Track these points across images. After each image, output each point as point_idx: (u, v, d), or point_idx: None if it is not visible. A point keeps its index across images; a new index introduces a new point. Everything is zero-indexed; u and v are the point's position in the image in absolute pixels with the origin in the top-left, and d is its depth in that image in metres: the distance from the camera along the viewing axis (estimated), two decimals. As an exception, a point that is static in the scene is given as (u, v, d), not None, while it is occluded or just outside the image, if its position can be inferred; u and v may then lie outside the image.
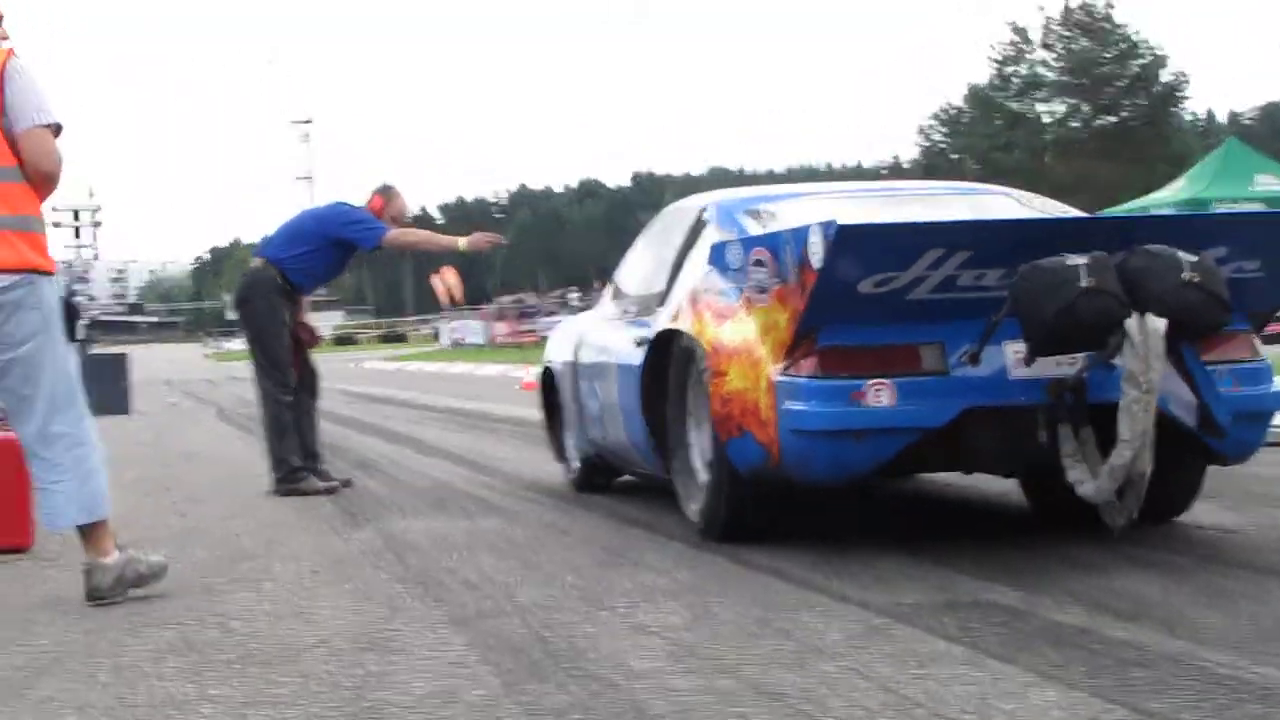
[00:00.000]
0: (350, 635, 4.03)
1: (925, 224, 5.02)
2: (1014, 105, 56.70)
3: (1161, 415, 4.53)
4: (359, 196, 8.25)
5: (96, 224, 34.18)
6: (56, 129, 4.67)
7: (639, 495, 7.00)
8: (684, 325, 5.61)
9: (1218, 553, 4.92)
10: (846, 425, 4.76)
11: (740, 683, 3.34)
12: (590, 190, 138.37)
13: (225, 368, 45.09)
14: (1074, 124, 55.97)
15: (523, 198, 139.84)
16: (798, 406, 4.83)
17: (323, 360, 8.35)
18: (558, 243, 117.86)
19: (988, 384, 4.77)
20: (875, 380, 4.74)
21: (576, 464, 7.51)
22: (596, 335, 7.00)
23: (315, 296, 8.36)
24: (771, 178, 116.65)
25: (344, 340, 75.56)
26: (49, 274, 4.69)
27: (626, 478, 7.28)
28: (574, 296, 49.53)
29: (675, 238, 6.36)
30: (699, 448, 5.64)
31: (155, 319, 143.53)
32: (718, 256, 5.59)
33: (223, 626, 4.24)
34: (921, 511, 6.53)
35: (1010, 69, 56.39)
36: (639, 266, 6.92)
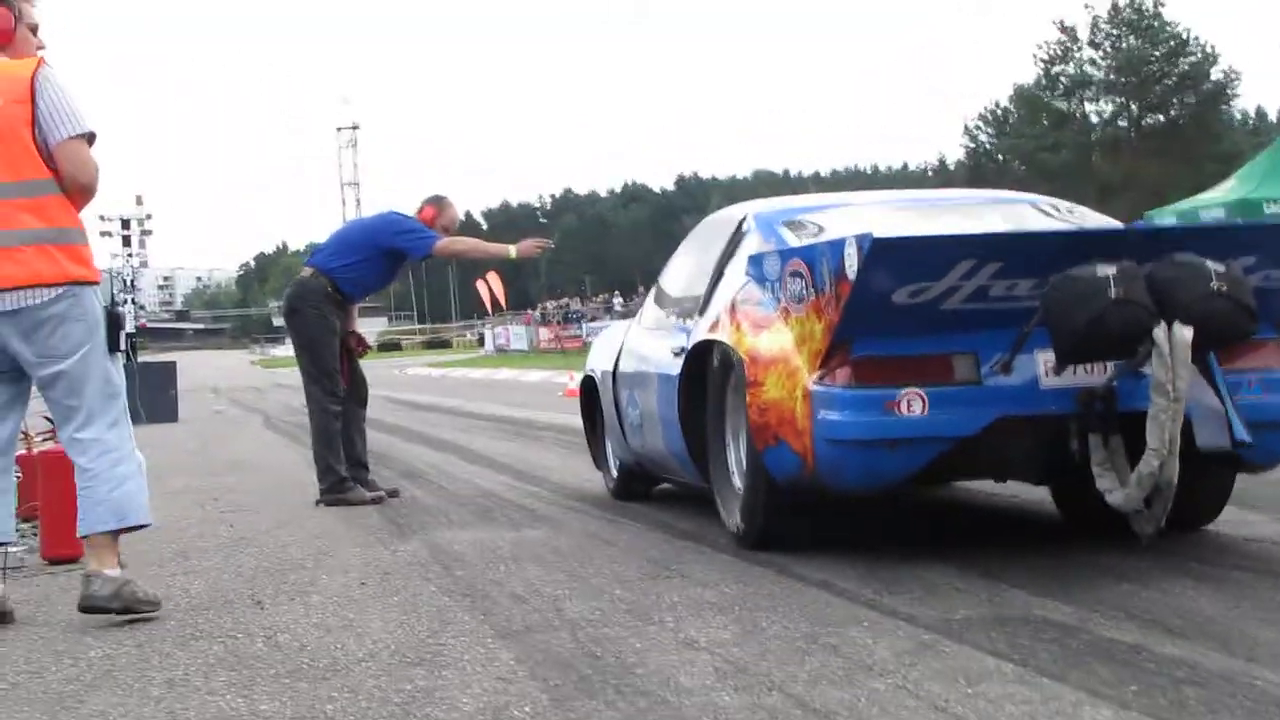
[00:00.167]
0: (398, 649, 4.04)
1: (958, 236, 5.05)
2: (1061, 105, 56.37)
3: (1188, 424, 4.57)
4: (403, 202, 8.30)
5: (146, 233, 34.36)
6: (91, 138, 4.68)
7: (682, 505, 6.98)
8: (722, 335, 5.66)
9: (1272, 567, 4.86)
10: (880, 434, 4.81)
11: (789, 700, 3.33)
12: (635, 194, 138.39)
13: (271, 374, 45.39)
14: (1121, 123, 55.60)
15: (567, 202, 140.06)
16: (832, 416, 4.89)
17: (366, 366, 8.39)
18: (603, 247, 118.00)
19: (1020, 393, 4.82)
20: (909, 390, 4.79)
21: (615, 472, 7.61)
22: (636, 344, 7.06)
23: (360, 303, 8.39)
24: (817, 180, 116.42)
25: (388, 346, 75.91)
26: (92, 284, 4.72)
27: (664, 486, 7.33)
28: (618, 302, 49.56)
29: (715, 247, 6.41)
30: (736, 456, 5.69)
31: (201, 325, 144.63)
32: (756, 267, 5.66)
33: (271, 640, 4.26)
34: (970, 521, 6.49)
35: (1057, 68, 56.05)
36: (680, 275, 6.97)
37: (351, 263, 7.92)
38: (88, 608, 4.62)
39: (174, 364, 21.29)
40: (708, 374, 5.85)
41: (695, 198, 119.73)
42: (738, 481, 5.65)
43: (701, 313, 6.11)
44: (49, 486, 5.94)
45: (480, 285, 52.18)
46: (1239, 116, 61.39)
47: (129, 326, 22.58)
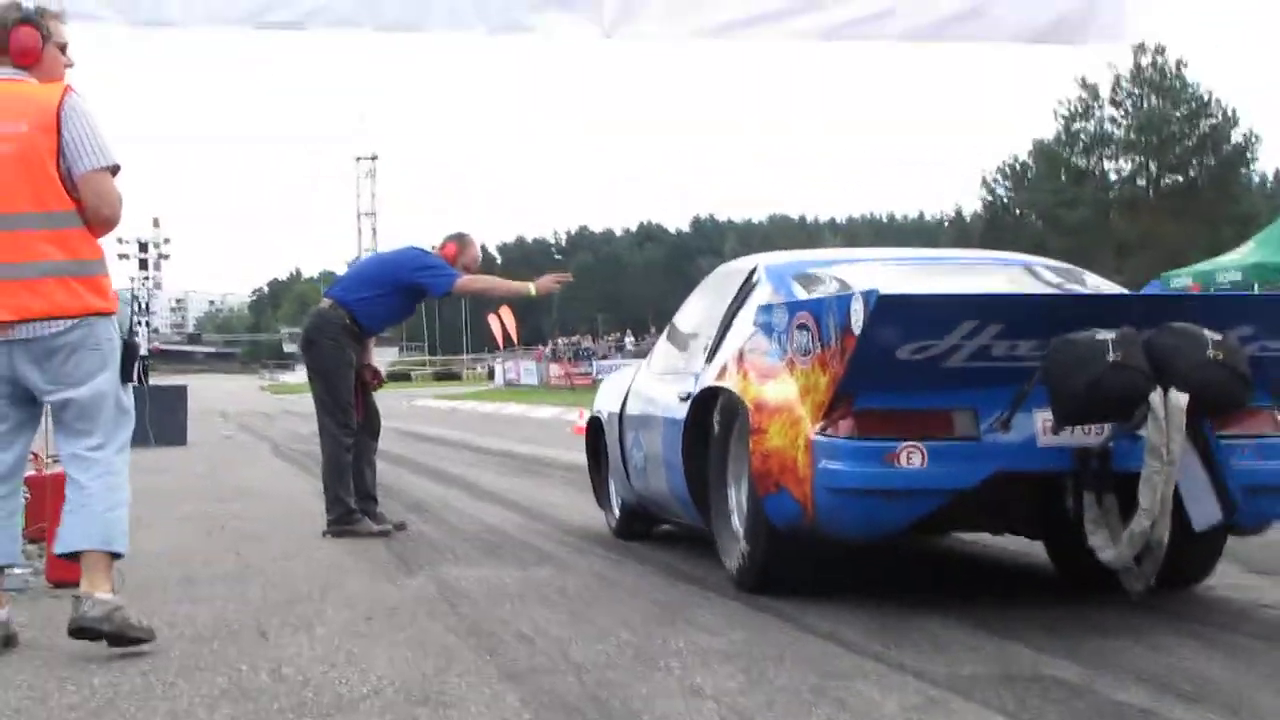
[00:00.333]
0: (403, 687, 4.01)
1: (962, 296, 5.23)
2: (1080, 162, 56.43)
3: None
4: (417, 234, 8.34)
5: (163, 256, 34.46)
6: (115, 170, 4.67)
7: (687, 547, 6.97)
8: (729, 383, 5.79)
9: (1283, 633, 4.83)
10: (879, 485, 4.92)
11: (795, 753, 3.30)
12: (650, 234, 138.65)
13: (280, 400, 45.40)
14: (1140, 182, 55.64)
15: (582, 239, 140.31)
16: (833, 465, 5.00)
17: (377, 398, 8.39)
18: (617, 286, 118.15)
19: (1017, 449, 4.94)
20: (909, 443, 4.90)
21: (618, 511, 7.75)
22: (644, 387, 7.21)
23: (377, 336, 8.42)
24: (832, 227, 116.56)
25: (398, 376, 75.90)
26: (109, 314, 4.71)
27: (665, 526, 7.42)
28: (629, 341, 49.57)
29: (726, 296, 6.56)
30: (737, 502, 5.80)
31: (212, 349, 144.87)
32: (764, 318, 5.81)
33: (275, 673, 4.23)
34: (977, 573, 6.46)
35: (1078, 125, 56.15)
36: (690, 322, 7.10)
37: (370, 296, 7.94)
38: (78, 629, 4.53)
39: (184, 388, 21.29)
40: (713, 420, 5.97)
41: (710, 239, 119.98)
42: (738, 525, 5.76)
43: (710, 360, 6.23)
44: (58, 508, 5.91)
45: (493, 319, 52.29)
46: (1258, 179, 61.39)
47: (142, 349, 22.59)
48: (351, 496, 7.83)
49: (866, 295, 4.76)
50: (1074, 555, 5.35)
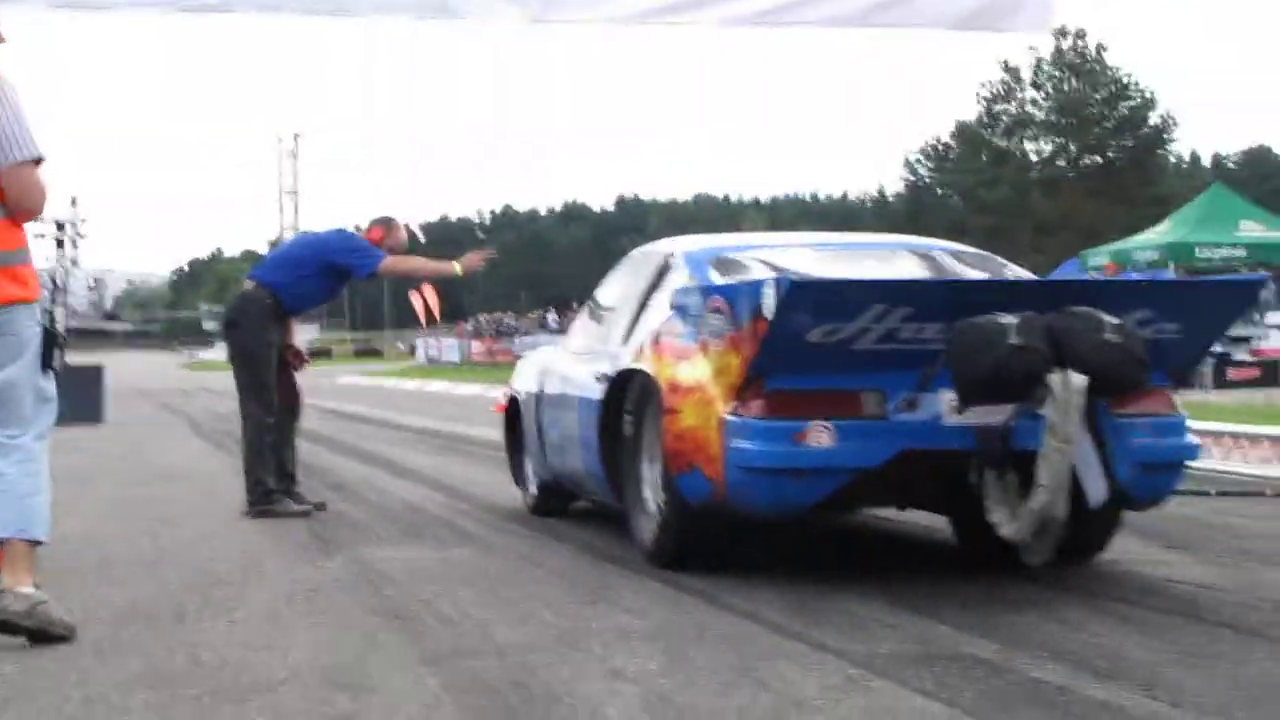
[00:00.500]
0: (323, 671, 3.98)
1: (870, 281, 5.48)
2: (1001, 142, 57.00)
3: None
4: (342, 211, 8.29)
5: (80, 236, 33.90)
6: (39, 161, 4.59)
7: (607, 525, 6.97)
8: (644, 364, 5.91)
9: (1197, 610, 4.90)
10: (789, 463, 5.11)
11: (716, 735, 3.31)
12: (575, 213, 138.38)
13: (199, 377, 44.90)
14: (1060, 163, 56.30)
15: (507, 219, 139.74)
16: (744, 445, 5.16)
17: (296, 377, 8.30)
18: (541, 265, 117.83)
19: (923, 429, 5.14)
20: (817, 423, 5.09)
21: (534, 489, 7.80)
22: (562, 368, 7.28)
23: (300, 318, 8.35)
24: (756, 206, 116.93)
25: (319, 353, 75.36)
26: (29, 303, 4.62)
27: (581, 504, 7.49)
28: (552, 318, 49.44)
29: (642, 279, 6.66)
30: (651, 480, 5.90)
31: (130, 327, 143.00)
32: (679, 301, 5.94)
33: (193, 657, 4.18)
34: (897, 550, 6.52)
35: (999, 107, 56.71)
36: (607, 304, 7.18)
37: (294, 278, 7.88)
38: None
39: (101, 367, 21.00)
40: (628, 400, 6.06)
41: (635, 218, 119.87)
42: (652, 504, 5.86)
43: (625, 341, 6.33)
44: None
45: (415, 296, 51.85)
46: (1174, 160, 62.23)
47: (59, 326, 22.22)
48: (272, 477, 7.76)
49: (778, 281, 4.98)
50: (978, 530, 5.48)
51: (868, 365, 5.09)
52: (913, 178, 62.40)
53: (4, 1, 6.07)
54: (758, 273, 5.81)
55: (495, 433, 10.98)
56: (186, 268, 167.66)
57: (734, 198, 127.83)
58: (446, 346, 55.34)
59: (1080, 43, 54.79)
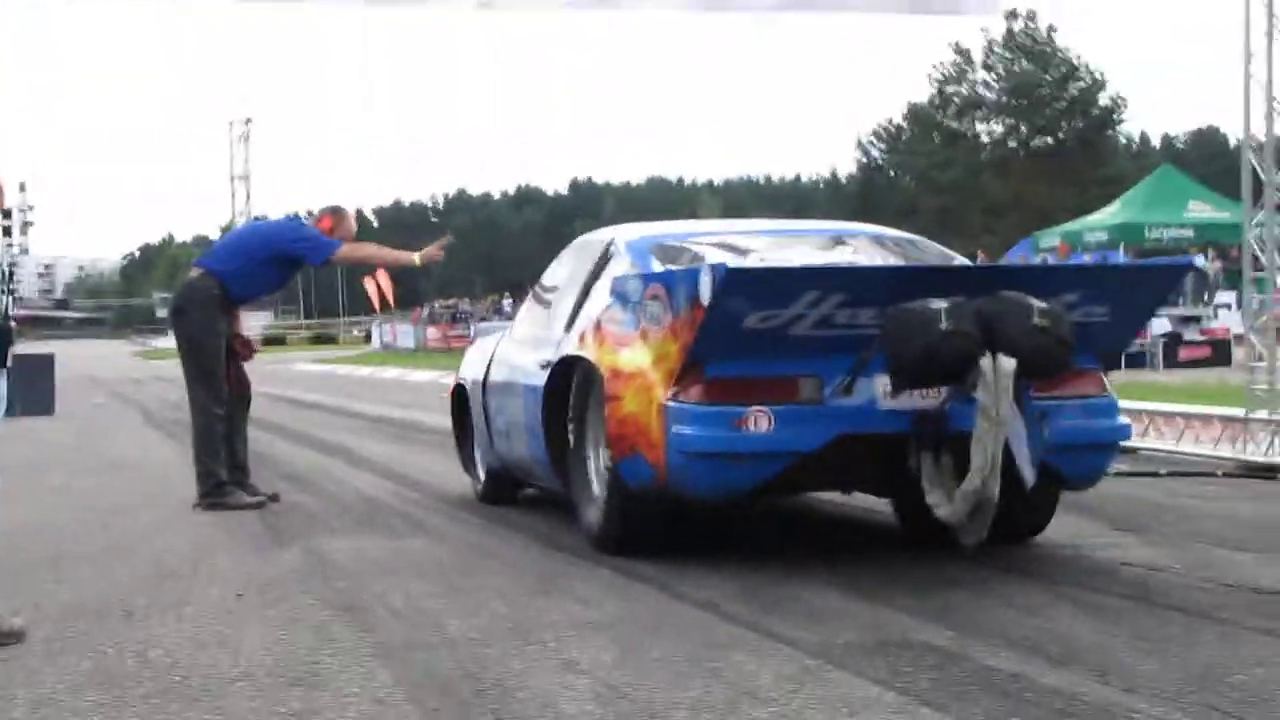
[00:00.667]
0: (275, 667, 3.95)
1: (805, 268, 5.60)
2: (953, 124, 57.23)
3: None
4: (294, 197, 8.24)
5: (28, 223, 33.66)
6: None
7: (558, 514, 6.93)
8: (586, 351, 5.99)
9: (1148, 593, 4.93)
10: (728, 448, 5.20)
11: (670, 728, 3.30)
12: (528, 197, 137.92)
13: (151, 366, 44.55)
14: (1011, 144, 56.56)
15: (459, 202, 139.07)
16: (684, 430, 5.25)
17: (247, 367, 8.24)
18: (495, 249, 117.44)
19: (859, 413, 5.24)
20: (756, 408, 5.17)
21: (484, 477, 7.82)
22: (507, 355, 7.31)
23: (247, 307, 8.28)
24: (710, 189, 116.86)
25: (273, 340, 74.87)
26: None
27: (530, 491, 7.49)
28: (507, 304, 49.29)
29: (584, 267, 6.72)
30: (595, 465, 5.97)
31: (81, 314, 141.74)
32: (620, 289, 6.00)
33: (142, 656, 4.14)
34: (841, 535, 6.52)
35: (951, 88, 56.93)
36: (551, 292, 7.20)
37: (242, 266, 7.80)
38: None
39: (52, 356, 20.76)
40: (571, 387, 6.11)
41: (589, 202, 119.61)
42: (596, 489, 5.92)
43: (568, 329, 6.37)
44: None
45: (369, 282, 51.65)
46: (1124, 141, 62.58)
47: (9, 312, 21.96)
48: (223, 468, 7.69)
49: (715, 269, 5.06)
50: (919, 513, 5.54)
51: (804, 351, 5.19)
52: (865, 159, 62.58)
53: None
54: (696, 260, 5.88)
55: (449, 420, 10.96)
56: (138, 253, 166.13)
57: (688, 180, 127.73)
58: (401, 333, 55.11)
59: (1031, 25, 55.05)
